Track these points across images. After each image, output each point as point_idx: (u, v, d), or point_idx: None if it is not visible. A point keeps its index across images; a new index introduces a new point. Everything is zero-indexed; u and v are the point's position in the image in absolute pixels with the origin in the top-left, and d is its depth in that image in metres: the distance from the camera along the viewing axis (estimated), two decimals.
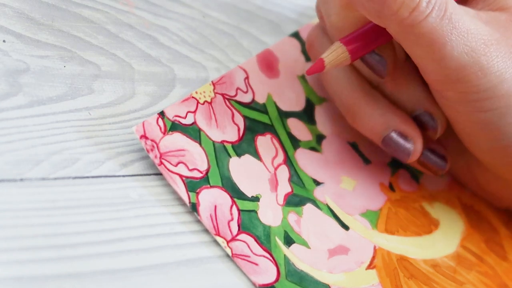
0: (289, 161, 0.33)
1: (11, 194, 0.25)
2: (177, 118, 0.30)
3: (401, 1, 0.29)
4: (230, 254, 0.28)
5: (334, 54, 0.31)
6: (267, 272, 0.29)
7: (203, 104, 0.32)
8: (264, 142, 0.33)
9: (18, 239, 0.24)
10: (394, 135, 0.33)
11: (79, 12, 0.32)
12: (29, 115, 0.27)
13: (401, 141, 0.33)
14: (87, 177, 0.27)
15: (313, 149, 0.35)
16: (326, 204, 0.33)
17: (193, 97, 0.32)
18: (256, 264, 0.29)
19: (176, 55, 0.34)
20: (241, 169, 0.31)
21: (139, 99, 0.31)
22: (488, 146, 0.33)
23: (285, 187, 0.32)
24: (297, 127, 0.35)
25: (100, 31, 0.32)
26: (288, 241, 0.30)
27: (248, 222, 0.30)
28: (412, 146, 0.33)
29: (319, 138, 0.35)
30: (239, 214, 0.30)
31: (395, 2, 0.29)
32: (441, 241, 0.36)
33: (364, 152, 0.36)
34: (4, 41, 0.29)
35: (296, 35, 0.38)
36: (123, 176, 0.28)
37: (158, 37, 0.34)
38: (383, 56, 0.32)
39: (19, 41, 0.29)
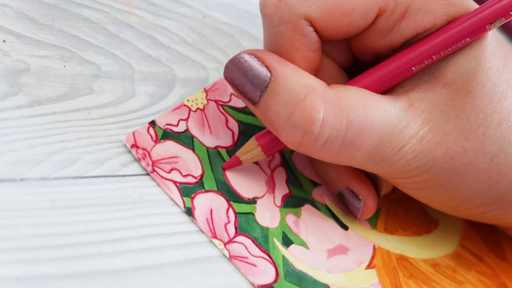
0: (286, 163, 0.33)
1: (11, 194, 0.25)
2: (169, 127, 0.30)
3: (286, 133, 0.28)
4: (227, 256, 0.28)
5: (249, 154, 0.31)
6: (266, 273, 0.29)
7: (195, 111, 0.32)
8: None
9: (18, 239, 0.24)
10: (345, 192, 0.33)
11: (79, 12, 0.32)
12: (29, 115, 0.27)
13: (351, 199, 0.32)
14: (87, 177, 0.27)
15: None
16: (325, 204, 0.33)
17: (184, 105, 0.32)
18: (255, 265, 0.29)
19: (176, 55, 0.34)
20: (237, 172, 0.31)
21: (139, 99, 0.31)
22: (438, 207, 0.33)
23: (282, 189, 0.32)
24: None
25: (100, 31, 0.32)
26: (287, 242, 0.30)
27: (245, 224, 0.30)
28: (361, 205, 0.32)
29: None
30: (235, 216, 0.30)
31: (282, 134, 0.29)
32: (441, 240, 0.36)
33: None
34: (4, 41, 0.29)
35: None
36: (123, 176, 0.28)
37: (158, 37, 0.34)
38: None
39: (19, 41, 0.29)
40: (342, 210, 0.33)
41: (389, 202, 0.35)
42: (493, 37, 0.29)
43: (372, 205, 0.32)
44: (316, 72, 0.30)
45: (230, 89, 0.34)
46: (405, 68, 0.29)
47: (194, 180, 0.30)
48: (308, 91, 0.28)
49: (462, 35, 0.28)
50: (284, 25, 0.29)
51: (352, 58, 0.32)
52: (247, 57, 0.29)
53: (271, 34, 0.29)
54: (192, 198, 0.29)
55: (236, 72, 0.29)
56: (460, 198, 0.31)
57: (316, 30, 0.29)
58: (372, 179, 0.33)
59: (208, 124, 0.32)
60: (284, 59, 0.29)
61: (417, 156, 0.29)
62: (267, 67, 0.29)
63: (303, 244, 0.31)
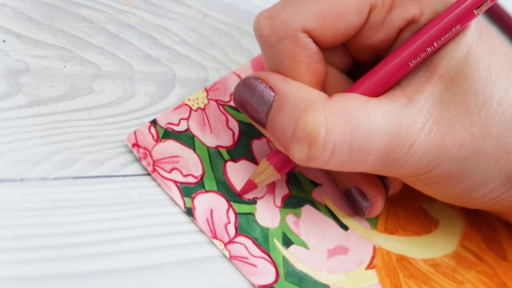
0: None
1: (11, 194, 0.25)
2: (170, 126, 0.30)
3: (293, 150, 0.28)
4: (228, 256, 0.28)
5: (263, 175, 0.31)
6: (266, 273, 0.29)
7: (196, 110, 0.32)
8: (260, 146, 0.33)
9: (18, 239, 0.24)
10: (354, 191, 0.33)
11: (79, 12, 0.32)
12: (29, 115, 0.27)
13: (359, 198, 0.33)
14: (87, 177, 0.27)
15: None
16: (325, 205, 0.33)
17: (185, 104, 0.32)
18: (255, 266, 0.29)
19: (176, 55, 0.34)
20: (237, 173, 0.31)
21: (139, 99, 0.31)
22: (453, 200, 0.33)
23: (282, 189, 0.32)
24: None
25: (100, 31, 0.32)
26: (287, 242, 0.30)
27: (246, 225, 0.30)
28: (368, 205, 0.32)
29: None
30: (236, 217, 0.30)
31: (289, 151, 0.28)
32: (441, 240, 0.36)
33: None
34: (4, 41, 0.29)
35: None
36: (123, 176, 0.28)
37: (158, 37, 0.34)
38: None
39: (19, 41, 0.29)
40: (342, 211, 0.33)
41: (389, 202, 0.35)
42: (477, 22, 0.30)
43: (379, 205, 0.32)
44: (323, 83, 0.30)
45: (230, 89, 0.34)
46: (402, 65, 0.29)
47: (194, 180, 0.30)
48: (309, 103, 0.28)
49: (451, 23, 0.28)
50: (283, 42, 0.29)
51: (352, 61, 0.32)
52: (251, 80, 0.29)
53: (271, 54, 0.29)
54: (193, 198, 0.29)
55: (243, 95, 0.30)
56: (474, 186, 0.31)
57: (314, 41, 0.29)
58: (381, 178, 0.33)
59: (209, 124, 0.32)
60: (289, 75, 0.29)
61: (428, 150, 0.29)
62: (270, 87, 0.29)
63: (303, 244, 0.31)
